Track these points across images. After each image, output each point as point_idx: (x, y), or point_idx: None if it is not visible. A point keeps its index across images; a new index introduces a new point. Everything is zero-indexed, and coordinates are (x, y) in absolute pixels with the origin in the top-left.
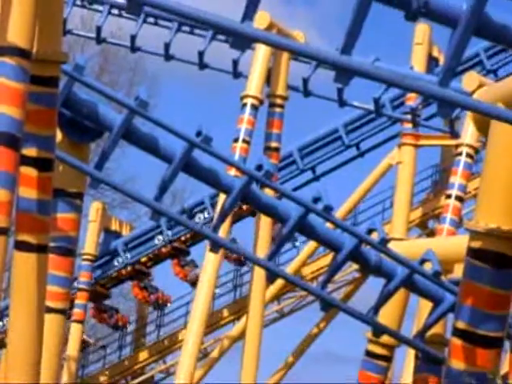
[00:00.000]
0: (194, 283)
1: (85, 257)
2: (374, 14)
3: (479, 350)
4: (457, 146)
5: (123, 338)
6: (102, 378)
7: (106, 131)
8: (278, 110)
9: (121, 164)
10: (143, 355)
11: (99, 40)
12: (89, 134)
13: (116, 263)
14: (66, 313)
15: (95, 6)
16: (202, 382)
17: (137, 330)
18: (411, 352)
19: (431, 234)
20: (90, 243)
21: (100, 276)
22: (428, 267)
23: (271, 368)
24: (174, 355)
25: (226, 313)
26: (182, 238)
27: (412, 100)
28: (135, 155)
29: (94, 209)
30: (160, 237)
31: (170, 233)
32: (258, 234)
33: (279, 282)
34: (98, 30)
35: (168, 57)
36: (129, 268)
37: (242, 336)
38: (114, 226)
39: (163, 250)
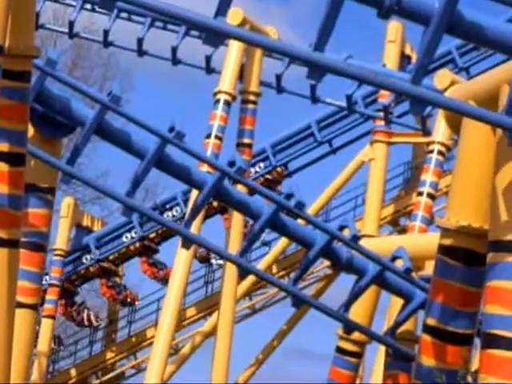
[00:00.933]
0: (162, 281)
1: (56, 252)
2: (347, 11)
3: (449, 347)
4: (428, 143)
5: (94, 334)
6: (73, 374)
7: (79, 126)
8: (250, 106)
9: (93, 159)
10: (114, 351)
11: (72, 35)
12: (61, 129)
13: (85, 260)
14: (37, 308)
15: (68, 1)
16: (173, 378)
17: (108, 326)
18: (382, 348)
19: (403, 231)
20: (61, 239)
21: (71, 272)
22: (399, 264)
23: (243, 364)
24: (145, 351)
25: (197, 309)
26: (151, 236)
27: (384, 97)
28: (108, 150)
29: (65, 204)
30: (128, 234)
31: (138, 230)
32: (231, 230)
33: (251, 279)
34: (71, 24)
35: (141, 52)
36: (97, 265)
37: (213, 332)
38: (86, 222)
39: (131, 247)
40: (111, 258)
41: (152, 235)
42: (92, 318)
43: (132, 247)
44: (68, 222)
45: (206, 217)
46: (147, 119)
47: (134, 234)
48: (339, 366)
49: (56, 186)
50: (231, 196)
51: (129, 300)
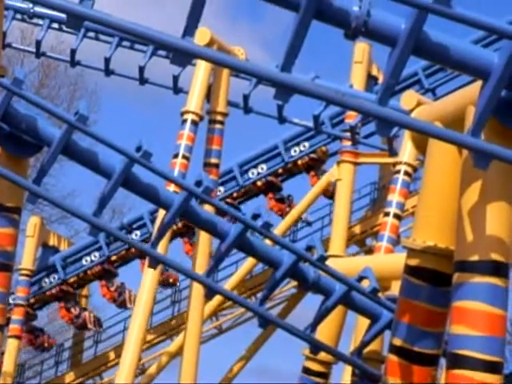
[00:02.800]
0: (121, 305)
1: (22, 272)
2: (314, 31)
3: (415, 367)
4: (395, 164)
5: (60, 354)
6: None
7: (45, 146)
8: (218, 126)
9: (60, 179)
10: (80, 371)
11: (39, 54)
12: (28, 149)
13: (51, 280)
14: (2, 328)
15: (35, 20)
16: None
17: (74, 346)
18: (348, 369)
19: (369, 251)
20: (27, 258)
21: (37, 292)
22: (366, 284)
23: None
24: (111, 372)
25: (163, 329)
26: (112, 259)
27: (351, 118)
28: (75, 170)
29: (31, 223)
30: (88, 258)
31: (97, 254)
32: (198, 250)
33: (217, 299)
34: (38, 44)
35: (108, 72)
36: (57, 288)
37: (179, 352)
38: (52, 241)
39: (91, 271)
40: (72, 280)
41: (113, 258)
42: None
43: (92, 271)
44: (34, 242)
45: (173, 237)
46: (114, 139)
47: (93, 258)
48: None
49: (22, 205)
50: (198, 216)
51: (89, 326)
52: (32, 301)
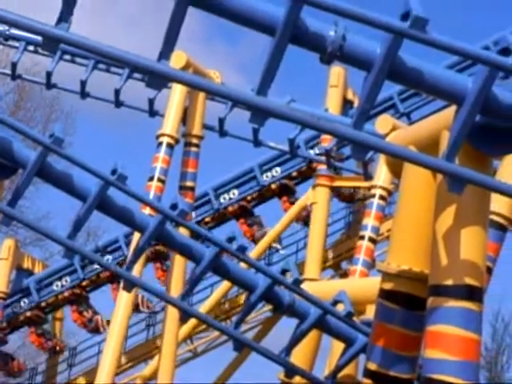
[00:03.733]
0: (93, 331)
1: None
2: (290, 55)
3: None
4: (370, 187)
5: (33, 378)
6: None
7: (20, 168)
8: (193, 149)
9: (34, 201)
10: None
11: (14, 76)
12: (2, 171)
13: (23, 303)
14: None
15: (11, 42)
16: None
17: (48, 370)
18: None
19: (344, 274)
20: (1, 281)
21: (10, 315)
22: (341, 308)
23: None
24: None
25: (138, 352)
26: (83, 284)
27: (327, 142)
28: (50, 193)
29: (6, 246)
30: (59, 282)
31: (68, 278)
32: (172, 273)
33: (192, 322)
34: (14, 66)
35: (84, 94)
36: (28, 313)
37: (154, 376)
38: (27, 264)
39: (59, 296)
40: (43, 304)
41: (85, 282)
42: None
43: (63, 295)
44: (8, 264)
45: (146, 262)
46: (90, 161)
47: (64, 282)
48: None
49: None
50: (173, 239)
51: (58, 349)
52: (3, 325)
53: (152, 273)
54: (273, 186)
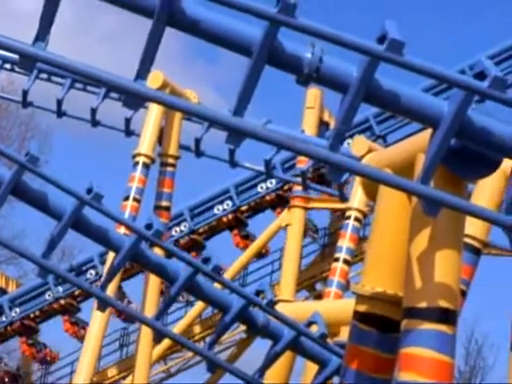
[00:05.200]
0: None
1: None
2: (267, 77)
3: None
4: (345, 209)
5: None
6: None
7: None
8: (169, 169)
9: (9, 219)
10: None
11: None
12: None
13: (4, 318)
14: None
15: None
16: None
17: None
18: None
19: (319, 296)
20: None
21: None
22: (314, 329)
23: None
24: None
25: (112, 372)
26: (76, 293)
27: (303, 163)
28: (24, 211)
29: None
30: (50, 292)
31: (60, 289)
32: (147, 293)
33: (166, 342)
34: None
35: (60, 113)
36: (17, 324)
37: None
38: (0, 283)
39: (54, 305)
40: (32, 316)
41: (76, 293)
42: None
43: (54, 305)
44: None
45: (123, 279)
46: (65, 180)
47: (54, 293)
48: None
49: None
50: (148, 259)
51: (49, 359)
52: None
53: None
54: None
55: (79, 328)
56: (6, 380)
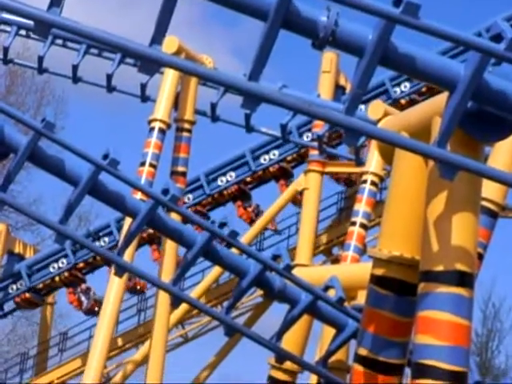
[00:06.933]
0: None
1: None
2: (282, 40)
3: (380, 377)
4: (362, 173)
5: (25, 363)
6: None
7: (12, 153)
8: (185, 134)
9: (26, 186)
10: (45, 379)
11: (6, 61)
12: None
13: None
14: None
15: (2, 27)
16: None
17: (39, 354)
18: (314, 378)
19: (336, 260)
20: None
21: (2, 299)
22: (332, 294)
23: None
24: (76, 380)
25: (129, 337)
26: (80, 265)
27: (319, 127)
28: (41, 177)
29: None
30: (55, 264)
31: (65, 260)
32: (164, 258)
33: (183, 307)
34: (5, 50)
35: (76, 79)
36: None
37: (145, 360)
38: (18, 249)
39: (59, 278)
40: (39, 287)
41: (81, 265)
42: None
43: (59, 277)
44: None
45: (140, 245)
46: (81, 146)
47: (61, 264)
48: None
49: None
50: (165, 224)
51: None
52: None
53: (147, 256)
54: (269, 170)
55: (83, 300)
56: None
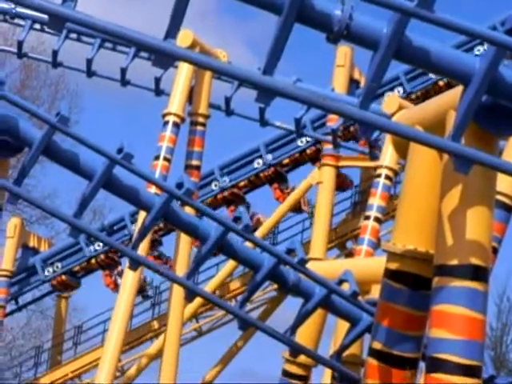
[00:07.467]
0: None
1: (1, 273)
2: (297, 34)
3: (394, 371)
4: (376, 167)
5: (39, 356)
6: None
7: (26, 147)
8: (199, 128)
9: (40, 180)
10: (59, 373)
11: (21, 55)
12: (8, 149)
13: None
14: None
15: (17, 21)
16: None
17: (53, 347)
18: (328, 372)
19: (350, 254)
20: (7, 259)
21: (17, 292)
22: (346, 288)
23: None
24: (90, 373)
25: (144, 330)
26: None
27: (333, 121)
28: (55, 171)
29: (11, 224)
30: (91, 247)
31: (101, 243)
32: (178, 252)
33: (198, 301)
34: (20, 44)
35: (90, 73)
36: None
37: (159, 354)
38: (32, 243)
39: (93, 261)
40: (75, 269)
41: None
42: None
43: (93, 260)
44: (14, 243)
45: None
46: (96, 140)
47: (97, 247)
48: None
49: (3, 206)
50: (179, 218)
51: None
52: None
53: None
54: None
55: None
56: None
